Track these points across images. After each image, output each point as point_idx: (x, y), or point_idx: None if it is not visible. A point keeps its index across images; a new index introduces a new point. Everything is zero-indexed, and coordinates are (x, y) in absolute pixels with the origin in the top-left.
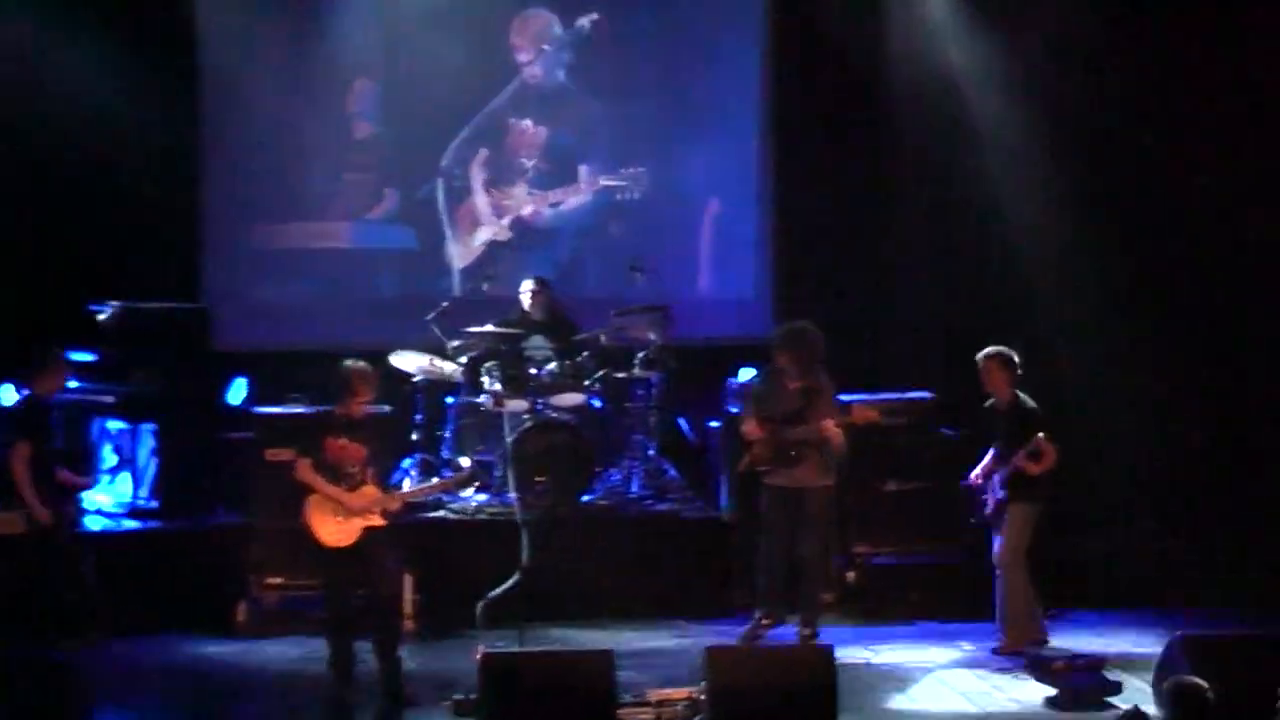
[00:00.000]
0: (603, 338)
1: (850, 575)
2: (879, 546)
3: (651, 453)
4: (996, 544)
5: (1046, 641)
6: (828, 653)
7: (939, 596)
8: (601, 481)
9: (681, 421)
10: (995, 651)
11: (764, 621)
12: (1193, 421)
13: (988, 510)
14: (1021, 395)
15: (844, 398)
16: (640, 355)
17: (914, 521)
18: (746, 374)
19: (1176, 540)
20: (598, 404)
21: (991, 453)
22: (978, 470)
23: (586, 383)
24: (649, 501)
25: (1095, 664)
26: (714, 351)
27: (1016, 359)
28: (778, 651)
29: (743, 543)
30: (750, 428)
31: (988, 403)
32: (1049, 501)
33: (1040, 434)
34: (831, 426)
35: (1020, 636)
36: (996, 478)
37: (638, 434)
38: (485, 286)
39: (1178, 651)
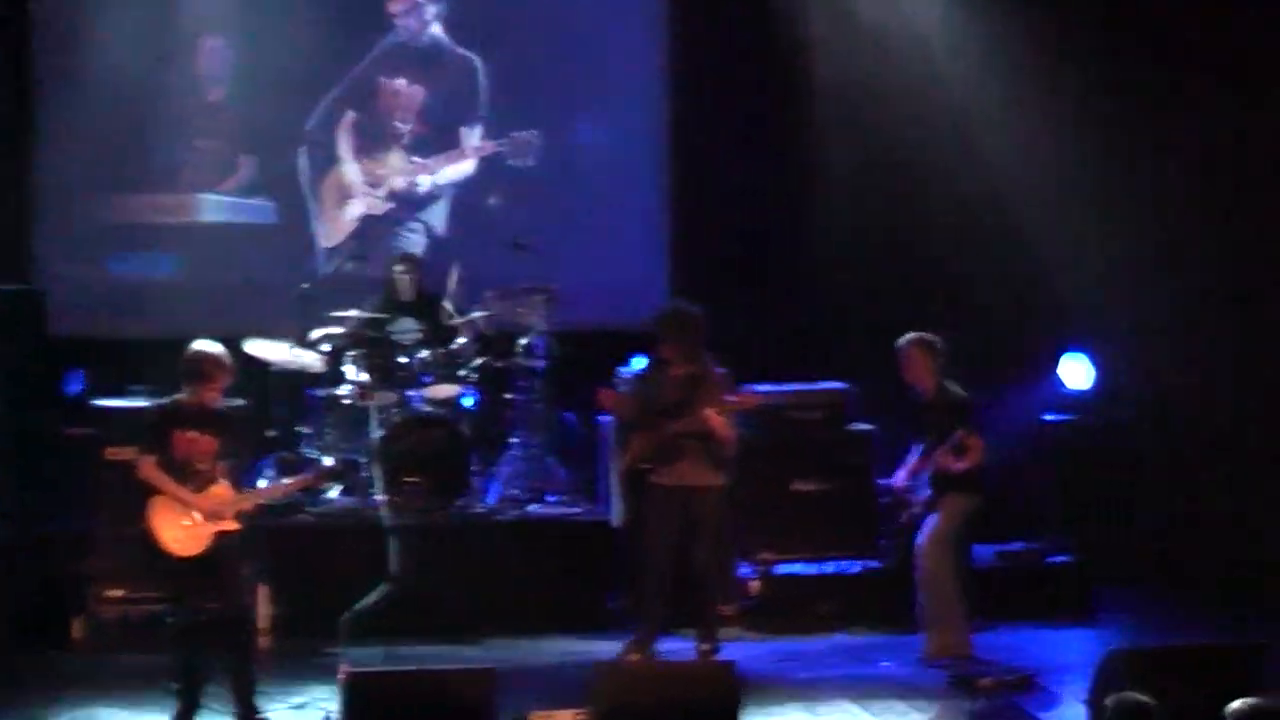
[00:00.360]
0: (481, 322)
1: (755, 585)
2: (787, 553)
3: (535, 450)
4: (921, 538)
5: (970, 655)
6: (730, 669)
7: (855, 608)
8: (479, 482)
9: (568, 416)
10: (922, 661)
11: (641, 639)
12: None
13: (914, 513)
14: (947, 384)
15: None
16: (523, 342)
17: (826, 525)
18: (640, 363)
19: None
20: (475, 396)
21: (917, 449)
22: (903, 470)
23: (463, 373)
24: (532, 504)
25: (1026, 680)
26: (606, 338)
27: (940, 344)
28: (674, 668)
29: (634, 548)
30: (606, 394)
31: (912, 394)
32: (983, 499)
33: (963, 428)
34: (715, 416)
35: (946, 643)
36: (924, 477)
37: (520, 429)
38: (350, 266)
39: (1115, 666)
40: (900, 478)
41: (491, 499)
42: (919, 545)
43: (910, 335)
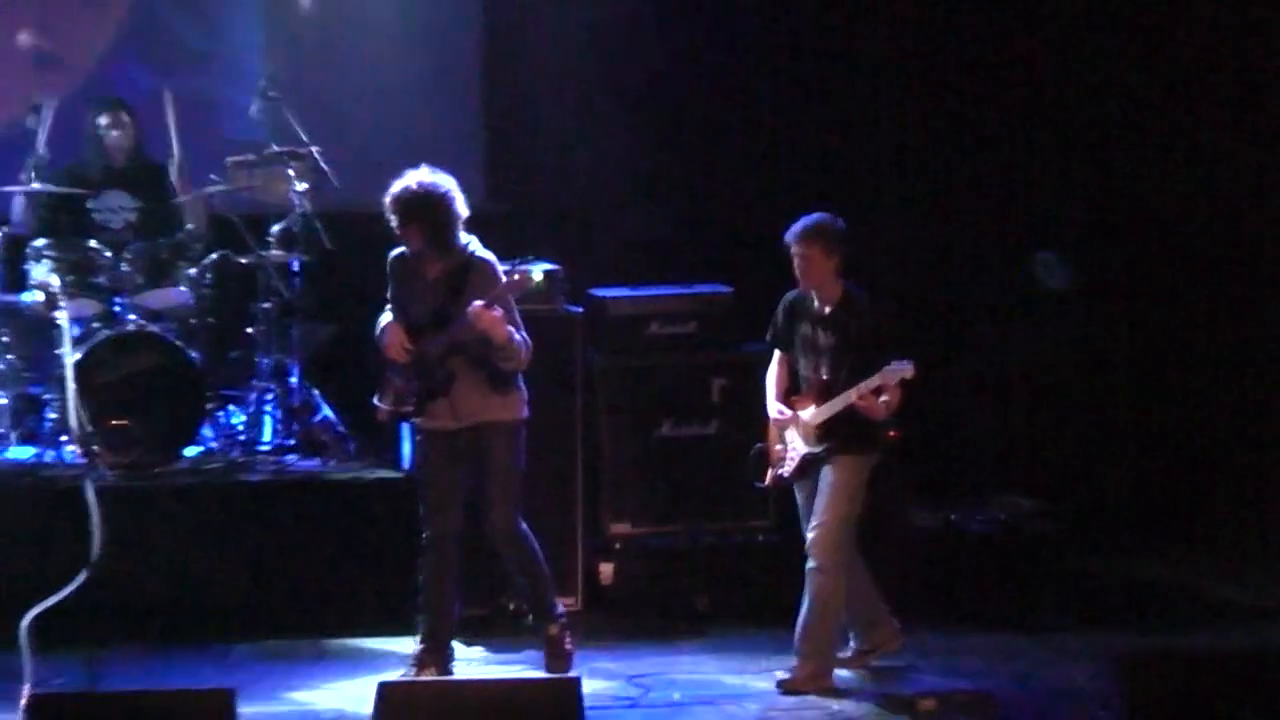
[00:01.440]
0: (219, 200)
1: (605, 570)
2: (648, 525)
3: (294, 382)
4: (810, 520)
5: (897, 648)
6: (571, 688)
7: (740, 596)
8: (215, 427)
9: (338, 330)
10: (779, 687)
11: (430, 647)
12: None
13: (785, 470)
14: (854, 291)
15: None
16: (277, 228)
17: (702, 485)
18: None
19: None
20: (210, 306)
21: (801, 380)
22: (777, 408)
23: (192, 271)
24: (290, 458)
25: (981, 701)
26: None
27: (842, 231)
28: (489, 688)
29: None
30: (390, 336)
31: (794, 300)
32: (887, 453)
33: (896, 359)
34: (485, 313)
35: (814, 672)
36: (804, 416)
37: (271, 353)
38: (30, 121)
39: (1117, 677)
40: (775, 420)
41: (232, 451)
42: (811, 538)
43: (804, 224)
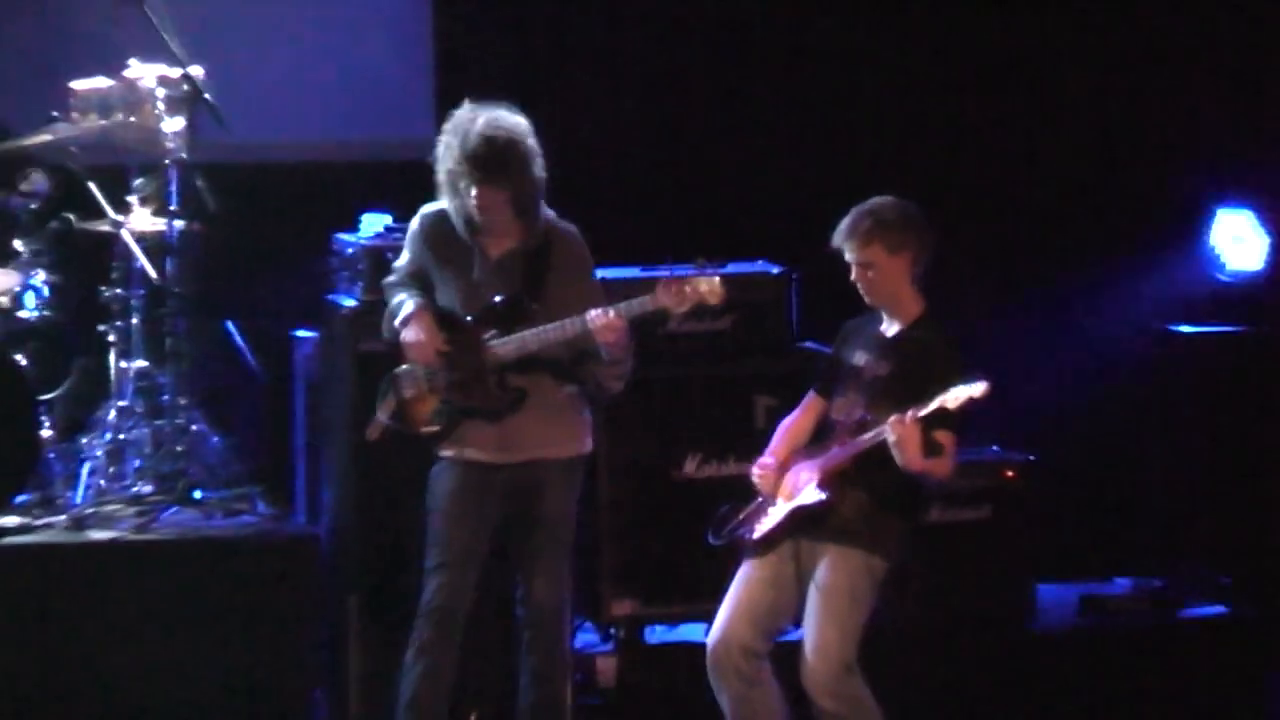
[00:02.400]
0: (65, 150)
1: (605, 667)
2: (664, 605)
3: (167, 400)
4: (807, 638)
5: None
6: None
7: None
8: (55, 465)
9: (231, 328)
10: None
11: None
12: None
13: (756, 527)
14: (935, 312)
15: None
16: (138, 183)
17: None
18: (377, 222)
19: None
20: (46, 293)
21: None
22: (781, 443)
23: (23, 247)
24: (163, 508)
25: None
26: (313, 173)
27: (918, 219)
28: None
29: (374, 589)
30: (418, 330)
31: (853, 325)
32: (904, 551)
33: (967, 389)
34: (614, 321)
35: None
36: (811, 466)
37: (135, 357)
38: None
39: None
40: (771, 453)
41: (80, 498)
42: (807, 667)
43: (855, 218)
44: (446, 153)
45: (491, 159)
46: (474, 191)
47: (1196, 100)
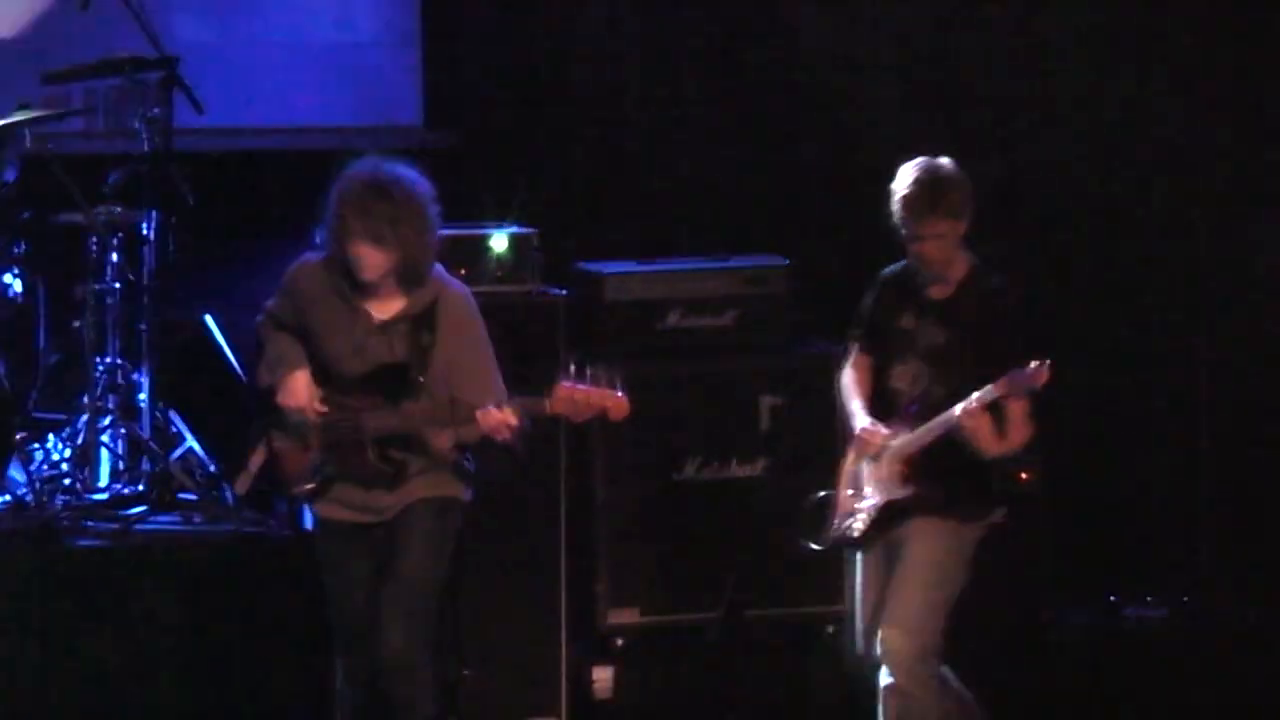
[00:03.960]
0: (29, 135)
1: (602, 677)
2: (663, 612)
3: (144, 400)
4: (874, 610)
5: None
6: None
7: (800, 716)
8: (27, 468)
9: (209, 321)
10: None
11: None
12: None
13: (854, 525)
14: (984, 267)
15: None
16: (113, 176)
17: (743, 554)
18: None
19: None
20: (18, 289)
21: (890, 396)
22: (867, 420)
23: None
24: (139, 510)
25: None
26: (295, 162)
27: (969, 181)
28: None
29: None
30: (295, 391)
31: (892, 276)
32: (1013, 509)
33: (1038, 360)
34: (500, 416)
35: None
36: (892, 444)
37: (109, 358)
38: None
39: None
40: (865, 438)
41: (53, 501)
42: (883, 633)
43: (921, 188)
44: (333, 201)
45: (382, 217)
46: (358, 250)
47: None
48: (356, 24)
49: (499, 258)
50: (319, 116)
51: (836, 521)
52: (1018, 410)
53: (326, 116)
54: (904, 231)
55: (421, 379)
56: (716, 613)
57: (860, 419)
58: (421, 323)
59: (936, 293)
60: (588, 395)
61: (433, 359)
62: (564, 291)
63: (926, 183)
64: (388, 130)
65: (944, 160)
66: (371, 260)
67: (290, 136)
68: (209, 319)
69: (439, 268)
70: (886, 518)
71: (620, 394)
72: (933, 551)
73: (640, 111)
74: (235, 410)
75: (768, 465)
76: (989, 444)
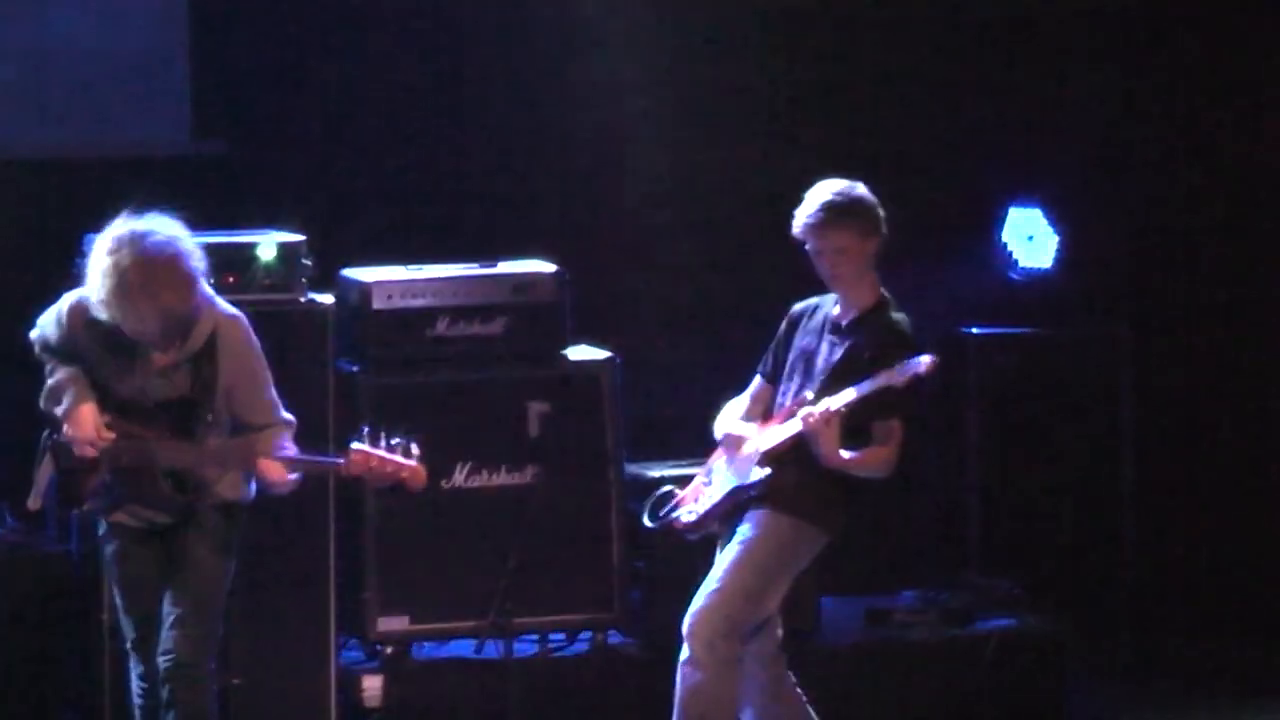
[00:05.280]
0: None
1: (371, 686)
2: (434, 620)
3: None
4: (705, 584)
5: None
6: None
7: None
8: None
9: None
10: None
11: None
12: None
13: (692, 510)
14: (888, 296)
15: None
16: None
17: (514, 561)
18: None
19: None
20: None
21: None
22: (731, 427)
23: None
24: None
25: None
26: (62, 170)
27: (878, 205)
28: None
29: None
30: (79, 425)
31: (803, 309)
32: (838, 523)
33: (884, 377)
34: (277, 468)
35: None
36: (749, 439)
37: None
38: None
39: None
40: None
41: None
42: (691, 610)
43: (829, 201)
44: (97, 278)
45: (124, 281)
46: (125, 327)
47: (989, 96)
48: (121, 33)
49: (267, 266)
50: (85, 126)
51: (676, 505)
52: (883, 431)
53: (92, 125)
54: (806, 246)
55: (210, 416)
56: (486, 620)
57: (722, 423)
58: (202, 357)
59: (841, 316)
60: (383, 463)
61: (217, 390)
62: (330, 300)
63: (832, 196)
64: (154, 140)
65: (860, 184)
66: (140, 332)
67: (56, 147)
68: None
69: (208, 294)
70: (729, 506)
71: (417, 463)
72: (765, 540)
73: (412, 115)
74: (3, 423)
75: (537, 472)
76: (828, 451)
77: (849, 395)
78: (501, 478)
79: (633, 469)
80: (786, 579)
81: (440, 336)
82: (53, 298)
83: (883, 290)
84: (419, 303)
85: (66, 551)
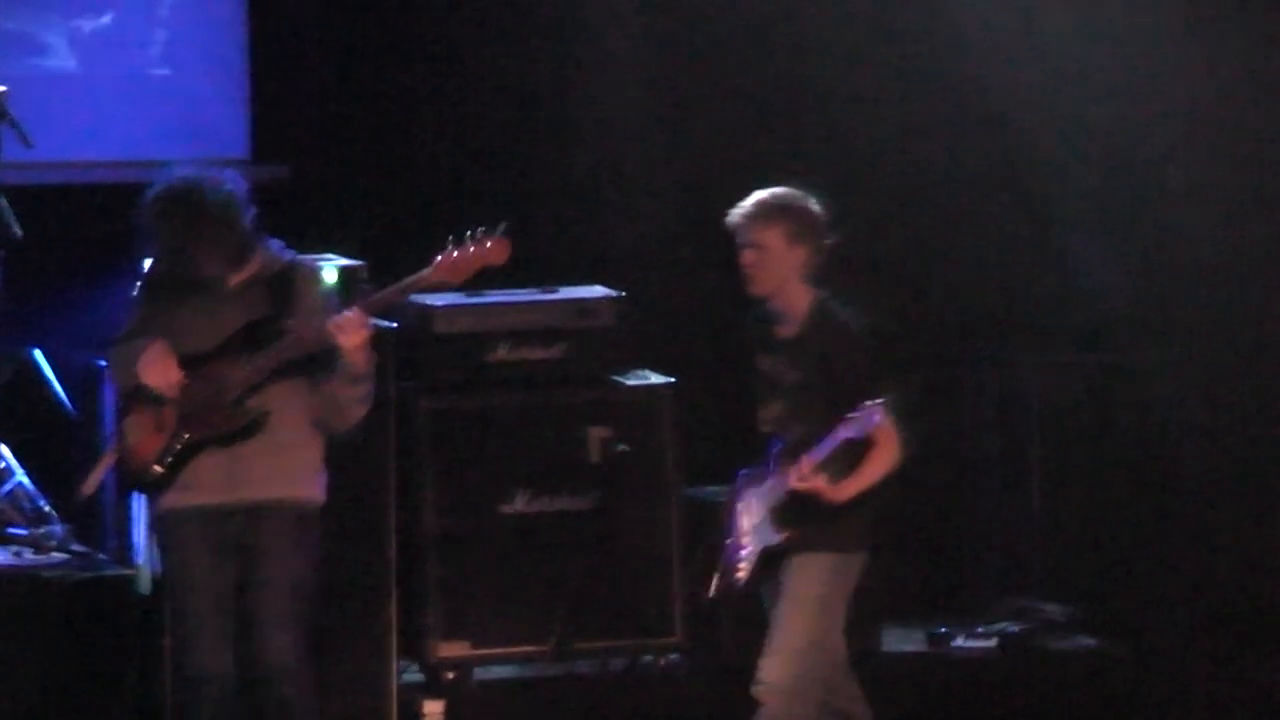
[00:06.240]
0: None
1: (433, 710)
2: (495, 645)
3: None
4: (769, 640)
5: None
6: None
7: None
8: None
9: (38, 358)
10: None
11: None
12: None
13: (740, 572)
14: (828, 303)
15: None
16: None
17: (574, 586)
18: None
19: None
20: None
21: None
22: (751, 491)
23: None
24: None
25: None
26: (124, 195)
27: (820, 215)
28: None
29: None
30: (155, 360)
31: (753, 318)
32: (874, 545)
33: (876, 397)
34: (359, 318)
35: None
36: (756, 496)
37: None
38: None
39: None
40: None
41: None
42: (763, 665)
43: (757, 199)
44: (152, 217)
45: (163, 216)
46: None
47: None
48: (182, 57)
49: (326, 291)
50: (146, 150)
51: (723, 571)
52: (880, 436)
53: (154, 150)
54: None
55: (290, 322)
56: (548, 645)
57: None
58: (278, 282)
59: (784, 331)
60: (468, 259)
61: (295, 305)
62: (394, 324)
63: (769, 193)
64: (215, 163)
65: (808, 193)
66: (199, 260)
67: (117, 170)
68: (37, 353)
69: (285, 249)
70: (765, 562)
71: (496, 241)
72: (810, 585)
73: (472, 141)
74: (63, 445)
75: (598, 497)
76: (832, 497)
77: (819, 454)
78: (562, 502)
79: (691, 493)
80: (841, 613)
81: (501, 361)
82: (113, 320)
83: (816, 290)
84: (480, 328)
85: (128, 576)
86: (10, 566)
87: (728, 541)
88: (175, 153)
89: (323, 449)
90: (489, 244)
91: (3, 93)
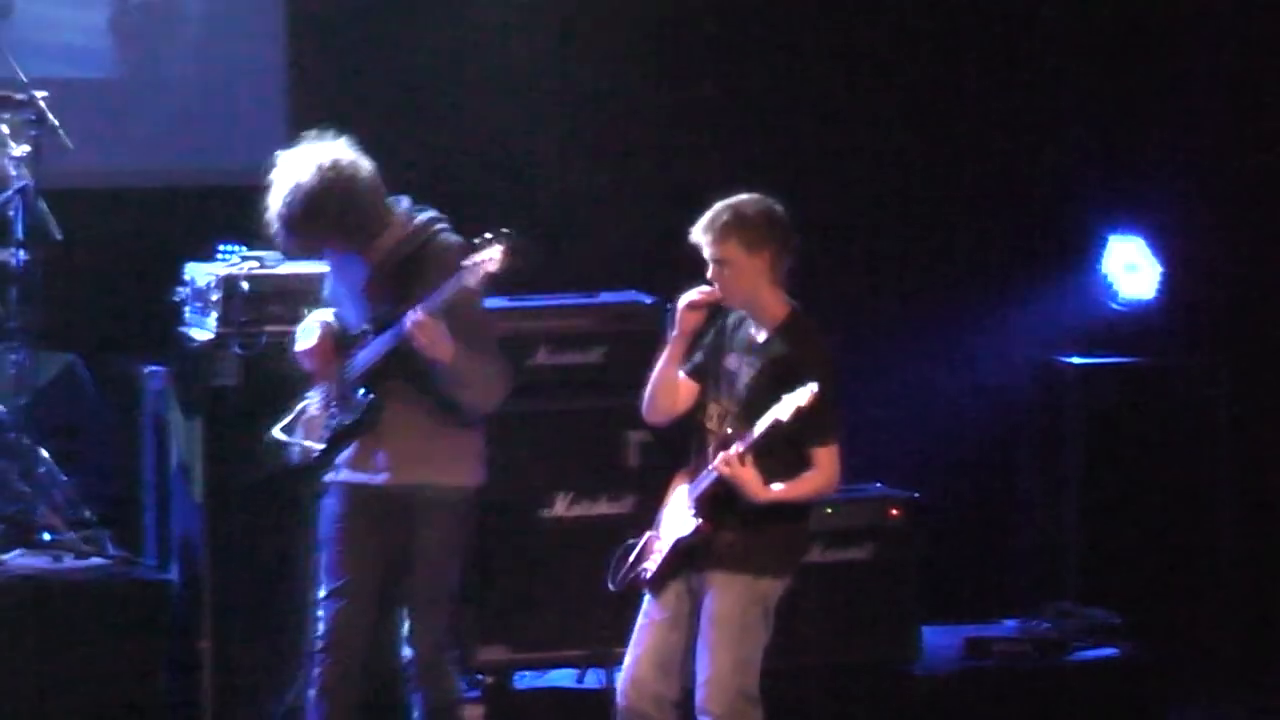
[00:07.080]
0: None
1: (473, 717)
2: (534, 649)
3: (13, 437)
4: (700, 667)
5: None
6: None
7: None
8: None
9: (77, 362)
10: None
11: None
12: None
13: (647, 566)
14: (803, 315)
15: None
16: None
17: (613, 591)
18: (207, 273)
19: None
20: None
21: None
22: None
23: None
24: (9, 550)
25: None
26: (163, 200)
27: (782, 222)
28: None
29: (227, 635)
30: (310, 346)
31: (731, 319)
32: (794, 564)
33: (792, 399)
34: (427, 322)
35: None
36: (687, 490)
37: None
38: None
39: None
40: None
41: None
42: (701, 691)
43: (715, 213)
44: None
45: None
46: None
47: (1089, 125)
48: (222, 60)
49: None
50: (186, 154)
51: (634, 564)
52: (823, 455)
53: (192, 157)
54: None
55: (400, 312)
56: (586, 650)
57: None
58: (409, 262)
59: (758, 335)
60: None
61: (413, 298)
62: None
63: (718, 206)
64: (254, 169)
65: (759, 197)
66: (338, 232)
67: (157, 174)
68: (76, 358)
69: (432, 215)
70: (678, 559)
71: (494, 245)
72: (732, 608)
73: (510, 148)
74: (102, 450)
75: (637, 502)
76: (751, 491)
77: (759, 430)
78: (601, 507)
79: None
80: (766, 631)
81: (540, 365)
82: (155, 328)
83: (793, 303)
84: (519, 332)
85: (167, 580)
86: (50, 571)
87: (653, 535)
88: (214, 157)
89: (469, 429)
90: (490, 247)
91: (43, 98)
